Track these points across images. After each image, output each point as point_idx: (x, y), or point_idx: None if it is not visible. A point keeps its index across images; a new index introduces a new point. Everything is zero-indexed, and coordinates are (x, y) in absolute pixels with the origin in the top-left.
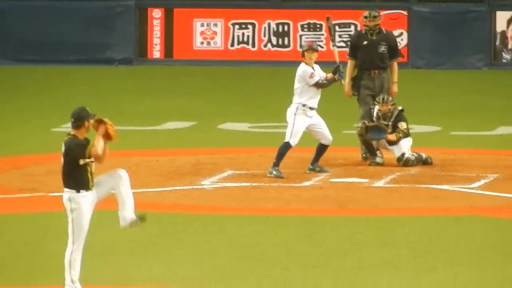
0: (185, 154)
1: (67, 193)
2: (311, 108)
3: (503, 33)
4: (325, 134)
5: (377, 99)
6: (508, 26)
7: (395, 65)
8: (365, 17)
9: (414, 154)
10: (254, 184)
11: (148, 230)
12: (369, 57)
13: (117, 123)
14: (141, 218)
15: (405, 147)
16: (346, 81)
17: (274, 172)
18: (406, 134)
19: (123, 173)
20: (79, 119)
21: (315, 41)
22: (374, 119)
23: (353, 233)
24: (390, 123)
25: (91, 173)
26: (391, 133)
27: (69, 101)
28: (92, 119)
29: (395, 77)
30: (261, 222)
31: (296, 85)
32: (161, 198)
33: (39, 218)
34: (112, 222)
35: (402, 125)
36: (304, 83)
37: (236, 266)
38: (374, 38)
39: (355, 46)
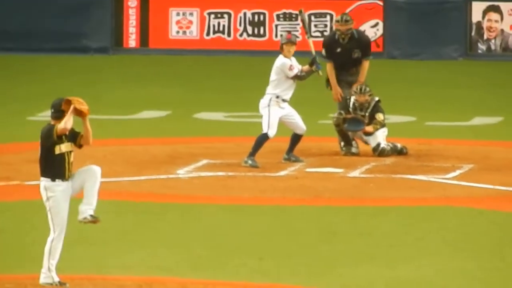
0: (161, 144)
1: (43, 182)
2: (284, 100)
3: (479, 24)
4: (299, 124)
5: (354, 89)
6: (484, 17)
7: (365, 64)
8: (337, 21)
9: (390, 144)
10: (230, 173)
11: (124, 220)
12: (343, 63)
13: (93, 112)
14: (93, 219)
15: (381, 137)
16: (333, 84)
17: (250, 162)
18: (383, 125)
19: (97, 171)
20: (59, 109)
21: (294, 33)
22: (351, 109)
23: (328, 223)
24: (367, 114)
25: (69, 163)
26: (368, 124)
27: (45, 90)
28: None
29: (362, 78)
30: (236, 211)
31: (273, 76)
32: (137, 187)
33: (15, 206)
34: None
35: (380, 116)
36: (282, 75)
37: (212, 255)
38: (347, 44)
39: (329, 50)
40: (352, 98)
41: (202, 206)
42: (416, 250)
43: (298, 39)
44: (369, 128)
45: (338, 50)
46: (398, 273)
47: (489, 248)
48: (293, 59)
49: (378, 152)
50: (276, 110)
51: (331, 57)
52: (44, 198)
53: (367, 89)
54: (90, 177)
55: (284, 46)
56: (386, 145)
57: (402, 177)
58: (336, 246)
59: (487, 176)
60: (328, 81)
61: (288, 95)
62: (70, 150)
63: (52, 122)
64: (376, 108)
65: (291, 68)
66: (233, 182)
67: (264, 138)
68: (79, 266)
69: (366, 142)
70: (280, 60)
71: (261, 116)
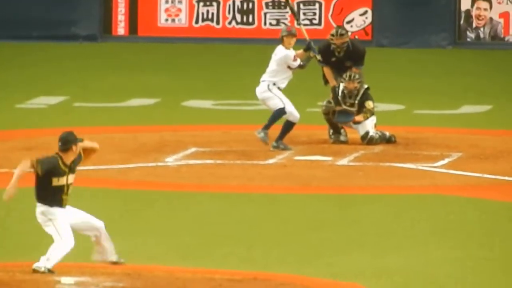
0: (149, 131)
1: (40, 207)
2: (279, 88)
3: (468, 12)
4: (292, 111)
5: (343, 76)
6: (472, 5)
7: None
8: (332, 35)
9: (378, 132)
10: (218, 161)
11: (112, 208)
12: (338, 69)
13: (81, 100)
14: (120, 262)
15: (369, 125)
16: (331, 82)
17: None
18: (372, 113)
19: (101, 227)
20: (66, 142)
21: (284, 23)
22: (340, 97)
23: (316, 211)
24: (356, 102)
25: (66, 194)
26: (358, 112)
27: (34, 78)
28: (79, 142)
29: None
30: (224, 199)
31: (274, 67)
32: (125, 175)
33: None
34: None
35: (369, 104)
36: (284, 66)
37: (200, 244)
38: (342, 55)
39: (323, 57)
40: (341, 85)
41: (191, 194)
42: (405, 239)
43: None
44: (359, 118)
45: (333, 59)
46: (386, 262)
47: (477, 237)
48: (292, 50)
49: (367, 140)
50: (277, 91)
51: (327, 64)
52: (43, 222)
53: (356, 76)
54: (100, 235)
55: (285, 38)
56: (375, 133)
57: (390, 165)
58: (325, 234)
59: (476, 164)
60: (324, 77)
61: (284, 84)
62: (71, 182)
63: (60, 153)
64: (366, 96)
65: (295, 59)
66: (222, 170)
67: (281, 112)
68: (68, 254)
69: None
70: (283, 51)
71: (260, 103)
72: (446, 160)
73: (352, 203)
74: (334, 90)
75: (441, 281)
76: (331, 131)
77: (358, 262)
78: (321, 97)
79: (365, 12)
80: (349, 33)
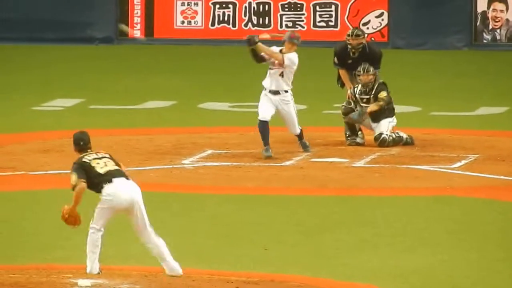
0: (165, 133)
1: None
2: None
3: (484, 14)
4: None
5: (358, 69)
6: (489, 7)
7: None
8: (348, 35)
9: (394, 134)
10: (234, 163)
11: None
12: (352, 72)
13: (97, 102)
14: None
15: (385, 127)
16: (347, 84)
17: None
18: (389, 102)
19: (162, 245)
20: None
21: (295, 32)
22: (356, 95)
23: (332, 212)
24: (372, 96)
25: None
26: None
27: (50, 80)
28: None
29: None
30: (241, 201)
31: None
32: (141, 177)
33: (19, 196)
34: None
35: (382, 94)
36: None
37: (216, 245)
38: (357, 56)
39: (340, 60)
40: (358, 87)
41: (207, 196)
42: (421, 240)
43: (301, 29)
44: (373, 107)
45: (349, 61)
46: (402, 263)
47: (494, 238)
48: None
49: (379, 141)
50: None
51: (343, 66)
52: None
53: (371, 68)
54: (161, 251)
55: (286, 44)
56: (389, 135)
57: (407, 167)
58: (340, 235)
59: (492, 166)
60: (339, 79)
61: (267, 83)
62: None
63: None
64: (380, 88)
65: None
66: (238, 172)
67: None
68: (83, 256)
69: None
70: (295, 56)
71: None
72: (462, 162)
73: (368, 205)
74: (353, 90)
75: (458, 283)
76: (348, 133)
77: (373, 263)
78: (338, 99)
79: (381, 14)
80: (366, 35)
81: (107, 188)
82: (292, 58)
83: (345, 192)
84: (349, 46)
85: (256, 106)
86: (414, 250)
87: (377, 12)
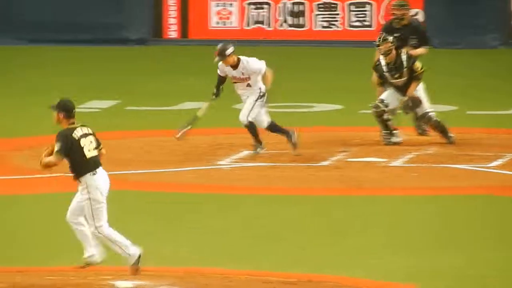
0: (202, 134)
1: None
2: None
3: None
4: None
5: (377, 40)
6: None
7: (422, 50)
8: (394, 6)
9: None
10: (271, 164)
11: (165, 210)
12: (401, 46)
13: (133, 103)
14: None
15: (426, 105)
16: (378, 90)
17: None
18: (419, 78)
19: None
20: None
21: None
22: (385, 72)
23: (369, 212)
24: (405, 70)
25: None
26: (409, 80)
27: (85, 82)
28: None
29: (413, 52)
30: (277, 201)
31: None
32: (178, 178)
33: (58, 198)
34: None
35: (417, 65)
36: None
37: (253, 246)
38: (403, 30)
39: (387, 31)
40: (382, 61)
41: (243, 196)
42: (457, 240)
43: (336, 29)
44: (410, 91)
45: (396, 35)
46: (438, 263)
47: None
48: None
49: (425, 119)
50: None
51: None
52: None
53: (388, 36)
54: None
55: (227, 60)
56: (434, 115)
57: (444, 166)
58: (376, 235)
59: None
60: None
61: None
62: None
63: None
64: (410, 60)
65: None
66: (274, 172)
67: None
68: (118, 257)
69: (422, 132)
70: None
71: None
72: (499, 161)
73: (404, 205)
74: (377, 68)
75: (495, 283)
76: (384, 132)
77: (409, 263)
78: (374, 99)
79: (416, 13)
80: (410, 10)
81: (94, 180)
82: (252, 68)
83: (382, 192)
84: (394, 17)
85: (293, 107)
86: (450, 250)
87: (413, 11)
